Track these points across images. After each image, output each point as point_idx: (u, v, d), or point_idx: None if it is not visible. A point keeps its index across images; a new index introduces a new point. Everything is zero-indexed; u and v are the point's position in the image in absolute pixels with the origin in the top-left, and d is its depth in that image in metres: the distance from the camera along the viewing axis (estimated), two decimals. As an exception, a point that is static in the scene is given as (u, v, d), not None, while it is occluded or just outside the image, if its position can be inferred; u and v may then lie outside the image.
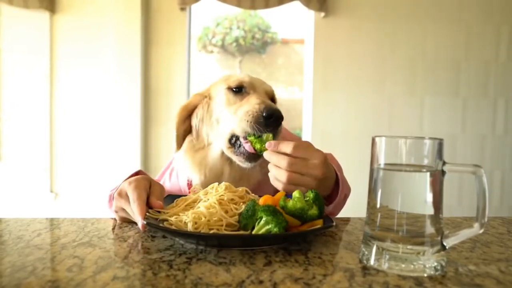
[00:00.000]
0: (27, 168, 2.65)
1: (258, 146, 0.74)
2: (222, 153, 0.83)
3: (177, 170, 0.95)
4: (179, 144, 0.88)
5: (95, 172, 2.63)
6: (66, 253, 0.51)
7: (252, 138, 0.75)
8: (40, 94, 2.61)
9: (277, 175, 0.69)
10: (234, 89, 0.83)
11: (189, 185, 0.87)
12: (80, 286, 0.40)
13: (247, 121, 0.75)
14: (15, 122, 2.64)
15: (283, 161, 0.67)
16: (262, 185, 0.87)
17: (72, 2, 2.59)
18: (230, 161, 0.83)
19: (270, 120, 0.73)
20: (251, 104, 0.77)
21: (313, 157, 0.68)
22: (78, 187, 2.65)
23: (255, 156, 0.77)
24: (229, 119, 0.80)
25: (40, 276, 0.43)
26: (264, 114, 0.74)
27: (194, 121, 0.88)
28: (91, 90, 2.62)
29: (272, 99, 0.88)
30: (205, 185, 0.80)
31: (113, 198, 0.72)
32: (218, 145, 0.83)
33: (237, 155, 0.78)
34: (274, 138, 0.75)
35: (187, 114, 0.89)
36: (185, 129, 0.88)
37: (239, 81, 0.84)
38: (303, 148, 0.68)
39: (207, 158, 0.84)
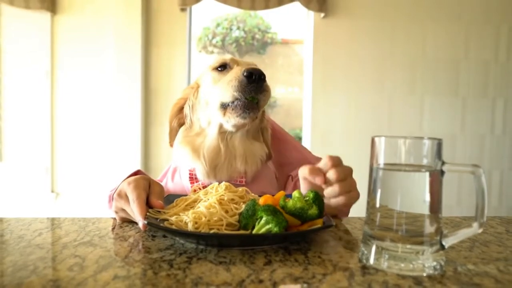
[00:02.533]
0: (28, 168, 2.65)
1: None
2: (217, 133, 0.84)
3: (179, 168, 0.95)
4: (172, 138, 0.91)
5: (96, 172, 2.64)
6: (67, 252, 0.51)
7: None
8: (41, 94, 2.61)
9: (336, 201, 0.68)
10: (218, 69, 0.87)
11: (191, 179, 0.86)
12: (81, 285, 0.40)
13: (232, 86, 0.78)
14: (16, 122, 2.64)
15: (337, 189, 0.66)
16: (262, 168, 0.89)
17: (73, 2, 2.60)
18: (226, 140, 0.84)
19: (252, 79, 0.76)
20: (233, 73, 0.80)
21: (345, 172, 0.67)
22: (79, 187, 2.65)
23: (252, 104, 0.78)
24: (216, 92, 0.82)
25: (42, 275, 0.43)
26: (244, 74, 0.76)
27: (186, 110, 0.90)
28: (92, 90, 2.63)
29: None
30: (206, 170, 0.83)
31: (112, 198, 0.72)
32: (212, 126, 0.85)
33: (233, 109, 0.79)
34: (262, 98, 0.79)
35: (180, 108, 0.92)
36: (179, 123, 0.92)
37: (221, 60, 0.87)
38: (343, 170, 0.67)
39: (203, 142, 0.85)
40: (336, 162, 0.67)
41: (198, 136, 0.87)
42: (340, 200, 0.66)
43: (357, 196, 0.69)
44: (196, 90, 0.91)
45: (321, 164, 0.68)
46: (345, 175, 0.66)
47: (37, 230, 0.62)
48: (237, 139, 0.86)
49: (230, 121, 0.80)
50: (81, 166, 2.65)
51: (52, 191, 2.66)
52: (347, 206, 0.69)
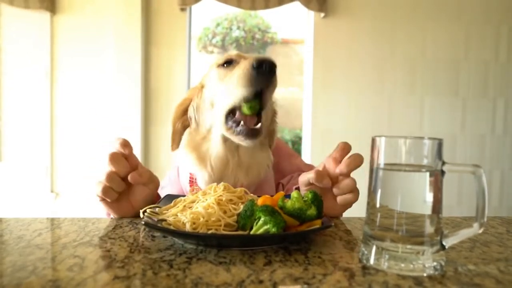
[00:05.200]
0: (28, 168, 2.65)
1: (247, 111, 0.72)
2: (222, 140, 0.79)
3: (178, 167, 0.94)
4: (175, 141, 0.85)
5: (96, 172, 2.63)
6: (67, 252, 0.51)
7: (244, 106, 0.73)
8: (41, 94, 2.61)
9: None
10: (224, 65, 0.80)
11: (191, 182, 0.84)
12: (80, 286, 0.40)
13: (240, 80, 0.70)
14: (15, 122, 2.64)
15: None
16: (269, 177, 0.87)
17: (72, 2, 2.60)
18: (233, 148, 0.80)
19: (262, 70, 0.68)
20: (241, 66, 0.72)
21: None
22: (79, 187, 2.65)
23: (254, 132, 0.73)
24: (223, 92, 0.76)
25: (41, 276, 0.43)
26: (254, 64, 0.68)
27: (190, 112, 0.85)
28: (92, 90, 2.63)
29: None
30: (211, 178, 0.79)
31: None
32: (216, 130, 0.80)
33: (236, 134, 0.74)
34: (270, 91, 0.72)
35: (184, 109, 0.86)
36: (183, 125, 0.86)
37: (227, 56, 0.81)
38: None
39: (210, 149, 0.81)
40: (346, 153, 0.69)
41: (204, 140, 0.82)
42: (352, 197, 0.68)
43: (358, 195, 0.70)
44: (201, 90, 0.85)
45: (328, 161, 0.69)
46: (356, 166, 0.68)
47: (37, 230, 0.62)
48: (244, 148, 0.81)
49: (233, 138, 0.76)
50: (81, 166, 2.65)
51: (52, 191, 2.66)
52: (351, 204, 0.70)
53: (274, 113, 0.89)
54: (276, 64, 0.70)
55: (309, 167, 1.01)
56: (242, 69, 0.71)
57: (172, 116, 0.86)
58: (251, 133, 0.73)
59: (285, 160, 1.02)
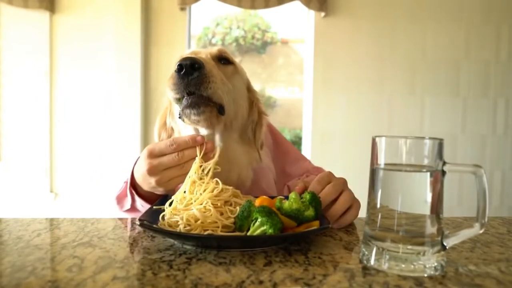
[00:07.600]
0: (27, 168, 2.64)
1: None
2: None
3: None
4: None
5: (95, 172, 2.63)
6: (66, 253, 0.51)
7: None
8: (40, 94, 2.61)
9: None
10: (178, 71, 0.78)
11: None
12: (80, 286, 0.40)
13: (169, 87, 0.68)
14: (15, 122, 2.64)
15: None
16: (259, 176, 0.84)
17: (72, 2, 2.59)
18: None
19: (182, 73, 0.65)
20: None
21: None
22: (78, 187, 2.65)
23: (199, 100, 0.66)
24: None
25: (40, 276, 0.43)
26: (175, 69, 0.65)
27: (167, 121, 0.84)
28: (91, 90, 2.62)
29: (220, 58, 0.78)
30: None
31: (126, 194, 0.75)
32: (188, 132, 0.76)
33: (184, 113, 0.68)
34: (208, 91, 0.66)
35: (166, 118, 0.86)
36: (168, 135, 0.84)
37: (179, 58, 0.77)
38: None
39: None
40: (325, 182, 0.66)
41: None
42: (347, 218, 0.66)
43: (358, 207, 0.68)
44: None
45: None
46: (337, 190, 0.65)
47: (36, 231, 0.62)
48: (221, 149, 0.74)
49: (188, 121, 0.70)
50: (81, 166, 2.65)
51: (51, 191, 2.66)
52: (351, 220, 0.68)
53: (251, 101, 0.83)
54: (199, 62, 0.65)
55: (318, 170, 1.01)
56: (171, 74, 0.69)
57: (156, 127, 0.85)
58: (192, 103, 0.67)
59: (293, 165, 1.02)
